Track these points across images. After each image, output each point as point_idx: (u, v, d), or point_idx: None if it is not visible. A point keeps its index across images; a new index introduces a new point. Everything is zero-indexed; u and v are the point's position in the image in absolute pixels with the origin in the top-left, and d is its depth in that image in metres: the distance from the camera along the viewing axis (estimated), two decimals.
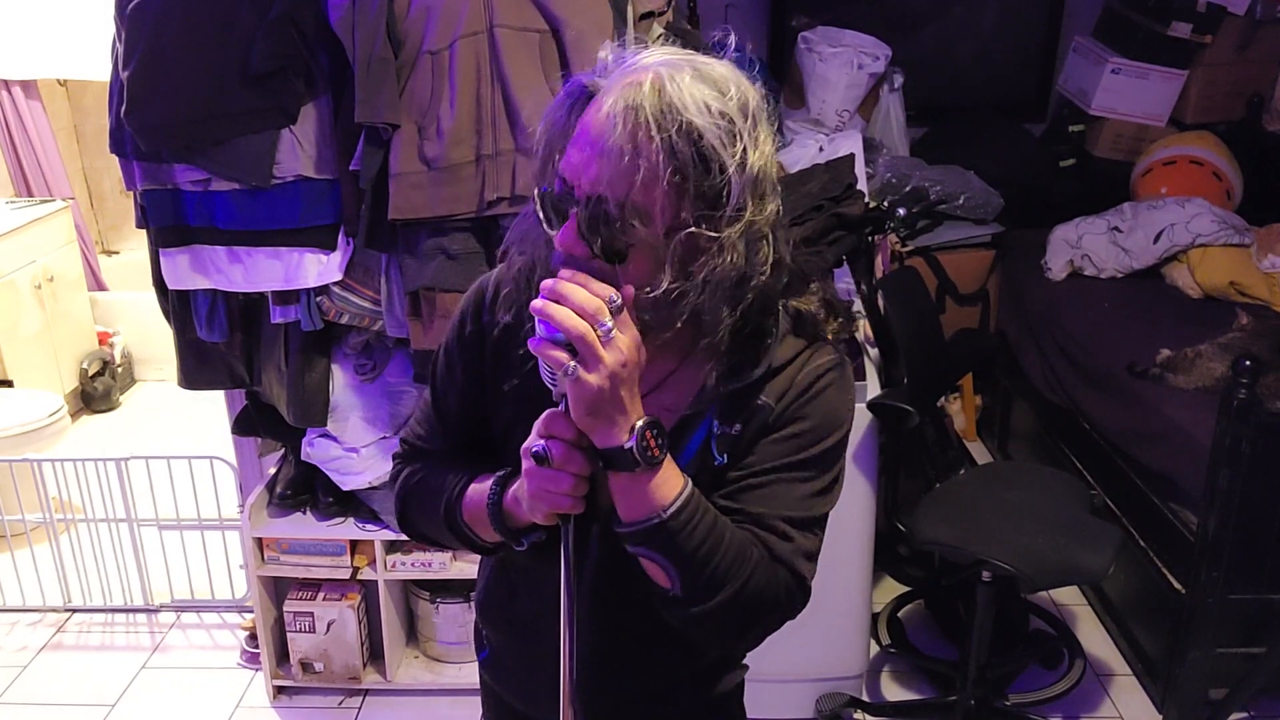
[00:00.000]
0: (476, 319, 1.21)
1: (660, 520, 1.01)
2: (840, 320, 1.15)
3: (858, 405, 2.35)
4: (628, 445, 0.98)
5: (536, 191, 1.04)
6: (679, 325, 1.02)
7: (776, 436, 1.10)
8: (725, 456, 1.10)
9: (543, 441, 1.01)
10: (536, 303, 0.95)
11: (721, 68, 1.01)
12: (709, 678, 1.30)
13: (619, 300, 0.96)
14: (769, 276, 1.04)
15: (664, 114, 0.95)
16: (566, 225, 0.99)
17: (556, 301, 0.94)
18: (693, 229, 0.98)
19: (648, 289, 1.00)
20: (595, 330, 0.94)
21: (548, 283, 0.96)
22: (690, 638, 1.15)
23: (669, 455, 1.03)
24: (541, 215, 1.03)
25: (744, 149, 0.98)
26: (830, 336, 1.14)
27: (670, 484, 1.02)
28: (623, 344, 0.96)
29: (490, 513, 1.13)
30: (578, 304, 0.94)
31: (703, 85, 0.97)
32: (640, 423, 0.99)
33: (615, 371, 0.95)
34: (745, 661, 1.36)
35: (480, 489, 1.15)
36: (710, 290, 1.00)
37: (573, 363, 0.95)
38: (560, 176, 1.00)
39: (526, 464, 1.03)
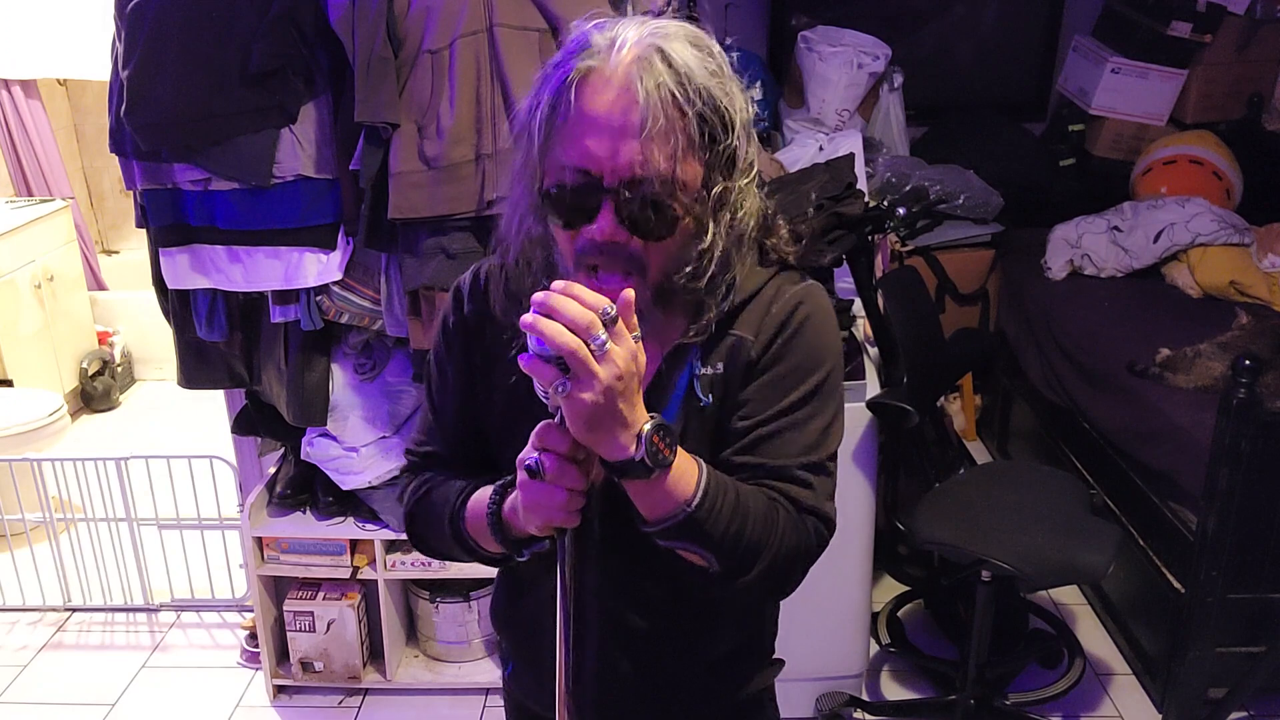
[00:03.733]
0: (458, 311, 1.21)
1: (688, 513, 1.01)
2: (801, 244, 1.18)
3: (858, 405, 2.36)
4: (637, 456, 0.96)
5: (542, 190, 1.02)
6: (695, 277, 1.05)
7: (767, 379, 1.10)
8: (710, 397, 1.11)
9: (536, 454, 0.98)
10: (527, 318, 0.92)
11: (688, 28, 1.03)
12: (737, 676, 1.28)
13: (613, 311, 0.92)
14: (759, 212, 1.10)
15: (684, 85, 0.97)
16: (603, 216, 0.99)
17: (548, 316, 0.91)
18: (719, 186, 1.02)
19: (693, 253, 1.03)
20: (589, 345, 0.91)
21: (538, 296, 0.92)
22: (736, 602, 1.19)
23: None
24: (554, 213, 1.02)
25: (736, 99, 1.02)
26: (794, 261, 1.17)
27: (687, 475, 1.01)
28: (618, 357, 0.92)
29: (490, 524, 1.11)
30: (569, 318, 0.90)
31: (692, 49, 1.00)
32: (647, 428, 0.96)
33: (611, 386, 0.92)
34: (779, 656, 1.34)
35: (480, 500, 1.14)
36: (735, 239, 1.05)
37: (566, 380, 0.92)
38: (575, 169, 0.99)
39: (520, 476, 1.00)
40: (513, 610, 1.31)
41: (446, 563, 2.56)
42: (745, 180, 1.05)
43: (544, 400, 0.98)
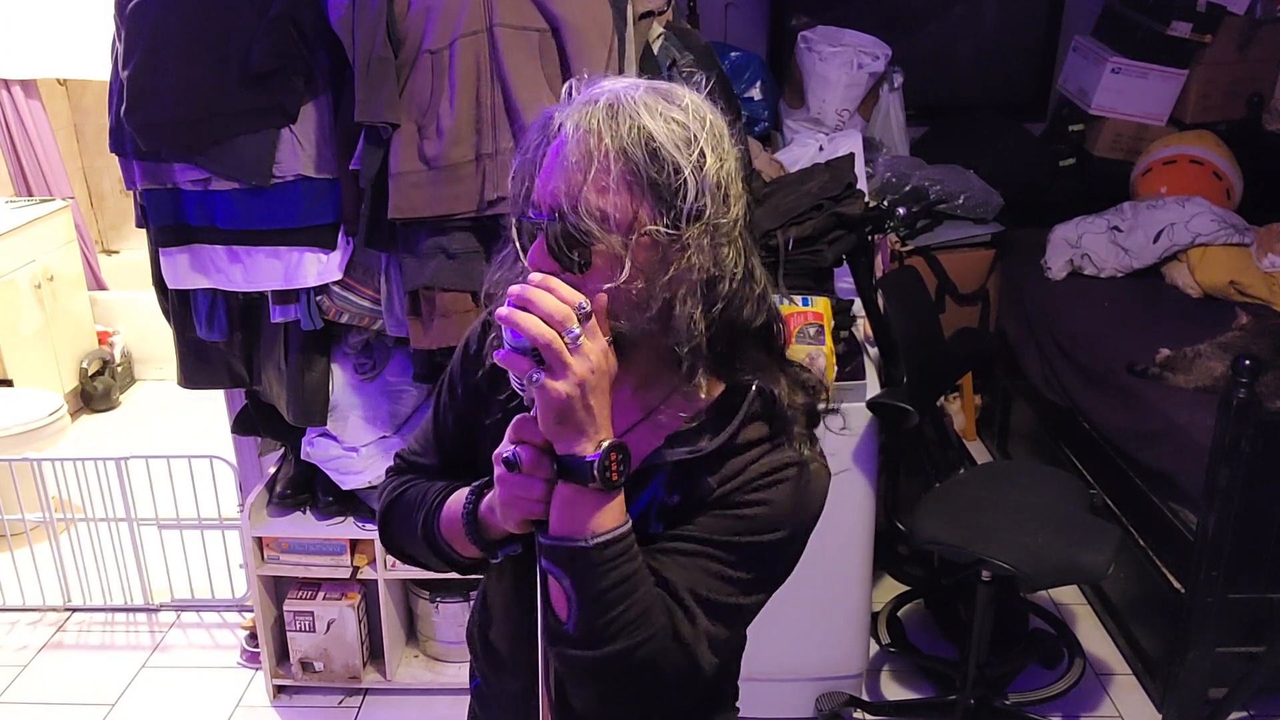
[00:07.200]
0: (481, 340, 1.21)
1: (585, 546, 0.98)
2: (813, 397, 1.11)
3: (859, 405, 2.36)
4: (589, 458, 0.96)
5: (512, 222, 1.04)
6: (651, 327, 1.01)
7: (717, 514, 1.06)
8: (660, 526, 1.08)
9: (513, 447, 0.99)
10: (502, 310, 0.94)
11: (686, 93, 1.02)
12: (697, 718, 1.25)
13: (588, 307, 0.95)
14: (740, 283, 1.03)
15: (614, 120, 0.96)
16: (535, 244, 1.00)
17: (523, 308, 0.93)
18: (650, 227, 0.98)
19: (612, 287, 0.98)
20: (563, 338, 0.93)
21: (514, 289, 0.94)
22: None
23: (620, 492, 1.00)
24: (516, 243, 1.04)
25: (700, 152, 0.98)
26: (795, 438, 1.08)
27: (611, 515, 0.99)
28: (591, 351, 0.95)
29: (465, 522, 1.10)
30: (545, 311, 0.93)
31: (658, 98, 0.99)
32: (608, 442, 0.97)
33: (584, 379, 0.94)
34: (739, 683, 1.31)
35: (456, 500, 1.14)
36: (675, 288, 0.99)
37: (539, 370, 0.93)
38: (533, 204, 1.01)
39: (498, 470, 1.01)
40: (484, 637, 1.30)
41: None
42: (698, 232, 0.98)
43: (520, 393, 1.00)
